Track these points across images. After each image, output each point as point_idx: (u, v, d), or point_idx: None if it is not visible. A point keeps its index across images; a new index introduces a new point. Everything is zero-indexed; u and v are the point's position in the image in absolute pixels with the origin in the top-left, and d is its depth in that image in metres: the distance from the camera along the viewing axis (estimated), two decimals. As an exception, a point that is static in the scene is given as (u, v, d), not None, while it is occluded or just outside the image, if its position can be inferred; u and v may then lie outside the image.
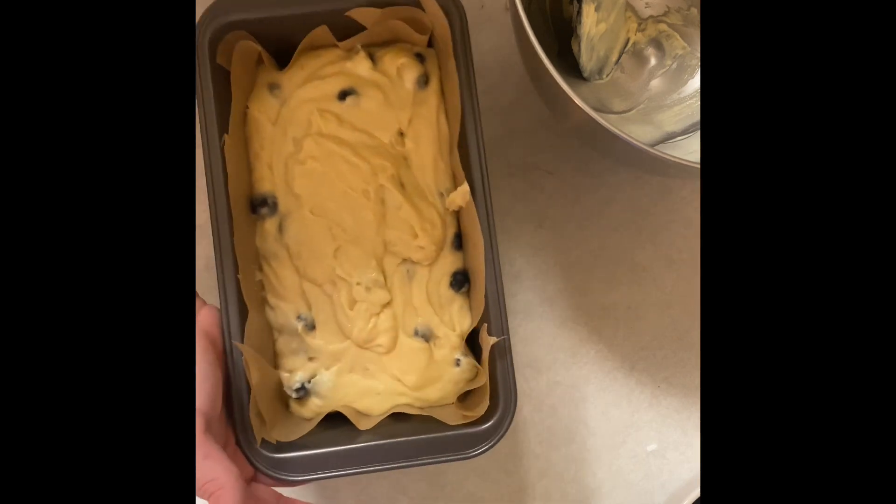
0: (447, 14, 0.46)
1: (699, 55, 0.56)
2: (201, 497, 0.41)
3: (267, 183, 0.49)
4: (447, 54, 0.47)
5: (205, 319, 0.45)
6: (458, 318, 0.49)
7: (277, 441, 0.45)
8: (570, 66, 0.54)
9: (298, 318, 0.48)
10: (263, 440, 0.45)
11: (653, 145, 0.45)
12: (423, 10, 0.47)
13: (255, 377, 0.45)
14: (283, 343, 0.48)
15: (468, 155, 0.46)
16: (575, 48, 0.53)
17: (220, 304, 0.45)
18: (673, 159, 0.43)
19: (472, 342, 0.49)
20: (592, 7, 0.51)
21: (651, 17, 0.56)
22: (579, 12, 0.51)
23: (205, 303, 0.46)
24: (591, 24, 0.52)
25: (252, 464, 0.45)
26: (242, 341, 0.45)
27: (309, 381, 0.48)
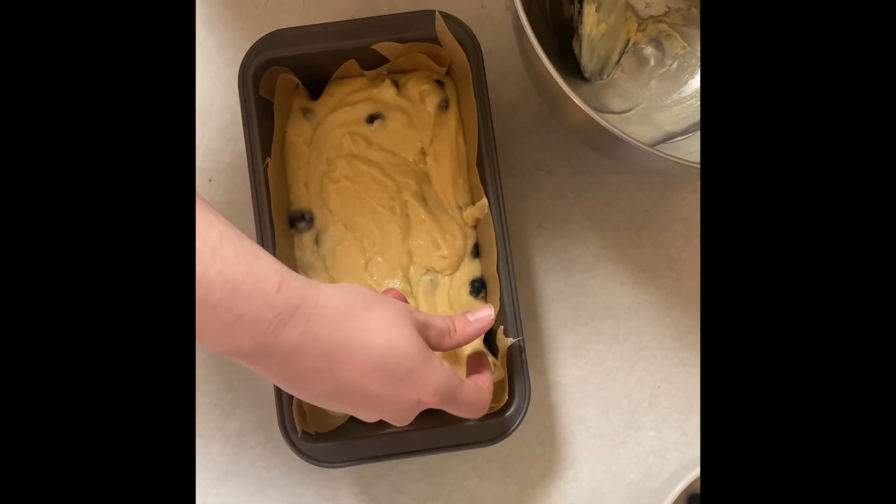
0: (464, 48, 0.50)
1: (699, 55, 0.56)
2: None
3: (304, 200, 0.53)
4: (465, 82, 0.51)
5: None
6: None
7: (316, 432, 0.49)
8: (571, 66, 0.54)
9: None
10: (303, 432, 0.48)
11: (653, 145, 0.45)
12: (441, 45, 0.50)
13: None
14: None
15: (484, 171, 0.50)
16: (576, 48, 0.53)
17: None
18: (673, 159, 0.43)
19: (486, 338, 0.52)
20: (593, 7, 0.51)
21: (651, 17, 0.56)
22: (580, 13, 0.51)
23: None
24: (592, 25, 0.52)
25: (296, 453, 0.49)
26: None
27: None
